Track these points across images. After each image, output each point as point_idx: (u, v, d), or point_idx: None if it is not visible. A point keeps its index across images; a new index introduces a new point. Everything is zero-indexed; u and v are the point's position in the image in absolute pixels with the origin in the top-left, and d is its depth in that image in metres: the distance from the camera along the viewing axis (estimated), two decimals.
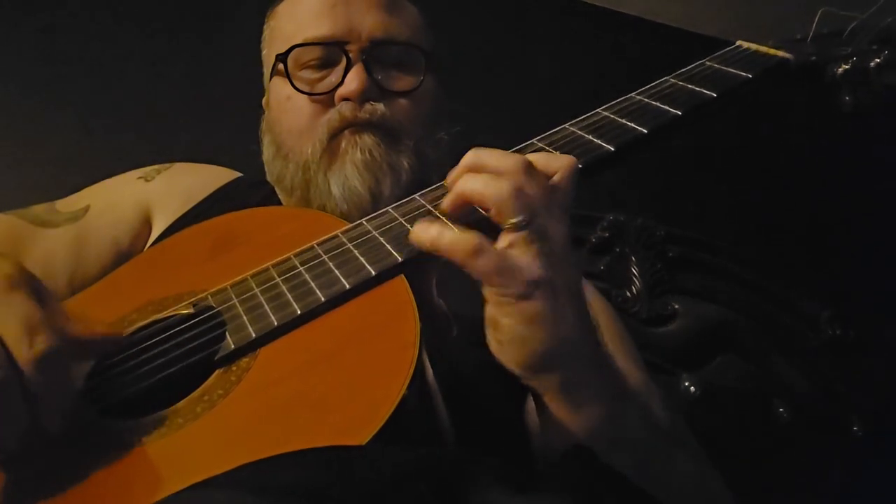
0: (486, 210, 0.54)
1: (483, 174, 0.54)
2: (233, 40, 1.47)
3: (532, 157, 0.56)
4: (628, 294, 1.21)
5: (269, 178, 0.88)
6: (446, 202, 0.57)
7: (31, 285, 0.49)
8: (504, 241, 0.52)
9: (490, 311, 0.53)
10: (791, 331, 1.21)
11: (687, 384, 1.14)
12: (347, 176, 0.76)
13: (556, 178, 0.56)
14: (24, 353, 0.45)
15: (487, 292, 0.52)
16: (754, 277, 1.25)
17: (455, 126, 0.85)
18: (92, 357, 0.54)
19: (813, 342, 1.20)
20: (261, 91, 0.93)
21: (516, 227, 0.52)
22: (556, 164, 0.56)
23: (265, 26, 0.91)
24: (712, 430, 1.08)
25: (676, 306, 1.21)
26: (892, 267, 1.28)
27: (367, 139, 0.77)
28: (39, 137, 1.41)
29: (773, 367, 1.18)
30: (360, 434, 0.44)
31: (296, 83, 0.80)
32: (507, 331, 0.52)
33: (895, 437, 1.12)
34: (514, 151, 0.62)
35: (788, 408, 1.14)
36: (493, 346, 0.54)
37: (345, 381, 0.49)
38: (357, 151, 0.76)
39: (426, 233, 0.54)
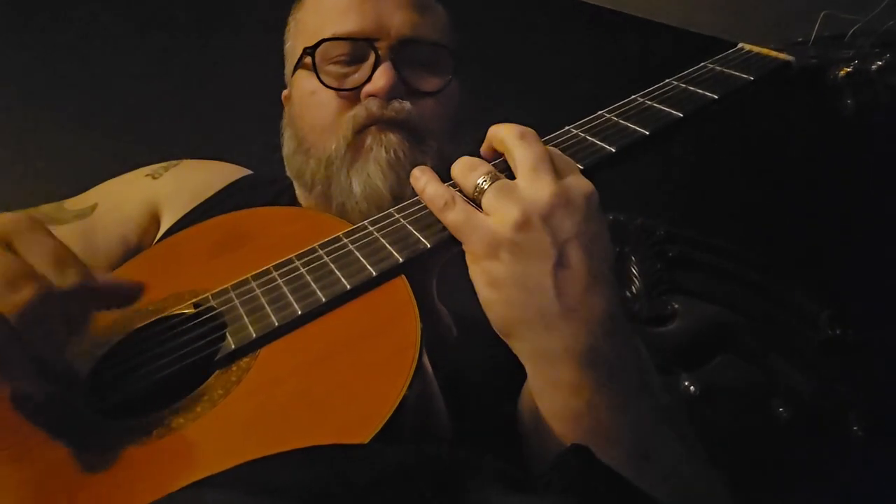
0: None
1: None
2: (234, 39, 1.48)
3: None
4: (628, 294, 1.21)
5: (288, 172, 0.88)
6: None
7: (49, 231, 0.49)
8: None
9: (469, 271, 0.54)
10: (791, 331, 1.21)
11: (687, 384, 1.14)
12: (370, 174, 0.75)
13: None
14: (56, 283, 0.46)
15: (465, 250, 0.55)
16: (754, 277, 1.25)
17: (477, 131, 0.86)
18: (113, 304, 0.54)
19: (813, 342, 1.20)
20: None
21: (479, 192, 0.55)
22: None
23: (290, 18, 0.90)
24: (712, 430, 1.08)
25: (676, 306, 1.21)
26: (892, 267, 1.28)
27: (393, 137, 0.76)
28: (40, 137, 1.41)
29: (773, 367, 1.17)
30: (361, 434, 0.44)
31: (322, 78, 0.80)
32: (479, 293, 0.54)
33: (895, 437, 1.12)
34: None
35: (788, 408, 1.14)
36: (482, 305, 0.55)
37: (345, 382, 0.49)
38: (382, 150, 0.76)
39: (418, 181, 0.59)
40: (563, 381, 0.52)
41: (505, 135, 0.57)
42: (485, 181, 0.54)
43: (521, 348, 0.53)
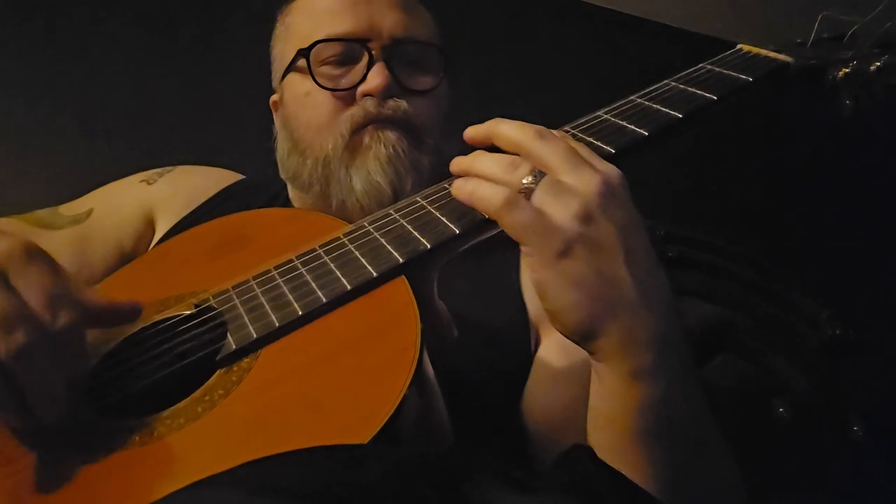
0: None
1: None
2: (233, 42, 1.48)
3: None
4: None
5: (282, 175, 0.88)
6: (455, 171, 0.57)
7: (47, 258, 0.49)
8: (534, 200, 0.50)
9: (534, 277, 0.50)
10: (791, 331, 1.21)
11: None
12: (370, 171, 0.76)
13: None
14: (48, 325, 0.46)
15: (525, 256, 0.50)
16: (754, 277, 1.24)
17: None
18: (112, 324, 0.54)
19: (813, 342, 1.20)
20: (264, 92, 0.93)
21: (527, 191, 0.50)
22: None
23: (278, 23, 0.91)
24: None
25: None
26: (892, 267, 1.28)
27: (391, 135, 0.77)
28: (39, 139, 1.41)
29: (773, 367, 1.17)
30: (361, 434, 0.44)
31: (317, 79, 0.80)
32: (555, 298, 0.50)
33: (895, 437, 1.12)
34: None
35: (788, 408, 1.13)
36: (548, 315, 0.52)
37: (345, 382, 0.49)
38: (381, 146, 0.76)
39: (464, 188, 0.53)
40: (644, 369, 0.49)
41: (517, 136, 0.54)
42: (531, 179, 0.51)
43: (606, 344, 0.50)
